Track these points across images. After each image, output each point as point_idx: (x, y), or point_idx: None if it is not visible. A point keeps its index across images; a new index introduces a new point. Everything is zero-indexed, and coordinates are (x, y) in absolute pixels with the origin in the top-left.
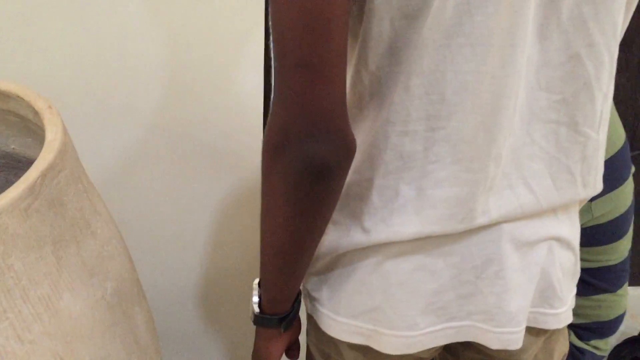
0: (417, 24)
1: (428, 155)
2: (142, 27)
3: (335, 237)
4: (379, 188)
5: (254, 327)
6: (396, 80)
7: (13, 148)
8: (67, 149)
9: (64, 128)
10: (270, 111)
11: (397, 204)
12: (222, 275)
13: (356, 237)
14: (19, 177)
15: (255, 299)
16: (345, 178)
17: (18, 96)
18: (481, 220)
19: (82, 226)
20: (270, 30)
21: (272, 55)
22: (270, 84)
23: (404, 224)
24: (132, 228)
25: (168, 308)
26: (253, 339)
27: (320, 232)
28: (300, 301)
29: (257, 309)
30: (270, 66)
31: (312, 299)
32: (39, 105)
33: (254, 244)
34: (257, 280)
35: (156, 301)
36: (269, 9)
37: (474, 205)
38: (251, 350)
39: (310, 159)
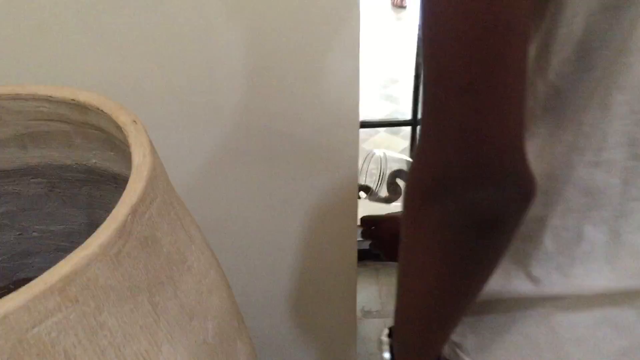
0: (624, 19)
1: (629, 191)
2: (223, 14)
3: (491, 280)
4: (554, 229)
5: (348, 336)
6: (588, 94)
7: (94, 162)
8: (157, 173)
9: (152, 147)
10: (420, 145)
11: (580, 250)
12: (316, 282)
13: (520, 286)
14: (102, 191)
15: (387, 355)
16: (520, 228)
17: (98, 108)
18: None
19: (177, 262)
20: (422, 42)
21: (423, 73)
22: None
23: (590, 276)
24: (217, 233)
25: (258, 315)
26: (347, 348)
27: (480, 292)
28: None
29: None
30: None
31: (452, 344)
32: (122, 119)
33: (350, 248)
34: (386, 332)
35: (245, 308)
36: (421, 13)
37: None
38: None
39: (477, 209)
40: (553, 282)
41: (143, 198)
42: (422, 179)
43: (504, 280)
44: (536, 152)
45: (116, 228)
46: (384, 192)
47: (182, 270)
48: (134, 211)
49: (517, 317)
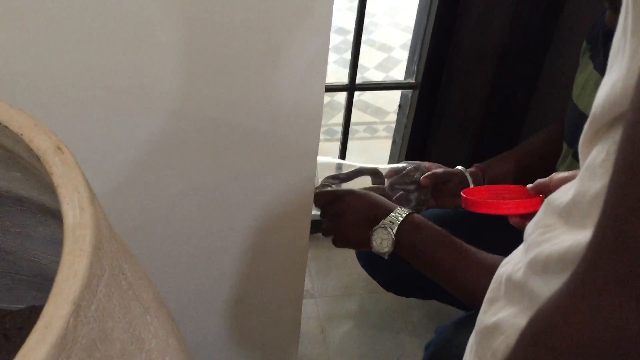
0: None
1: None
2: None
3: None
4: None
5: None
6: None
7: None
8: (102, 233)
9: (90, 190)
10: (588, 288)
11: None
12: (262, 288)
13: None
14: None
15: None
16: None
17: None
18: None
19: (134, 353)
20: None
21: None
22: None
23: None
24: (155, 234)
25: (195, 321)
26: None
27: None
28: None
29: None
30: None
31: None
32: (39, 144)
33: (302, 252)
34: None
35: (181, 312)
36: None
37: None
38: None
39: None
40: None
41: (88, 283)
42: (589, 345)
43: None
44: None
45: (54, 342)
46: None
47: None
48: (78, 307)
49: None
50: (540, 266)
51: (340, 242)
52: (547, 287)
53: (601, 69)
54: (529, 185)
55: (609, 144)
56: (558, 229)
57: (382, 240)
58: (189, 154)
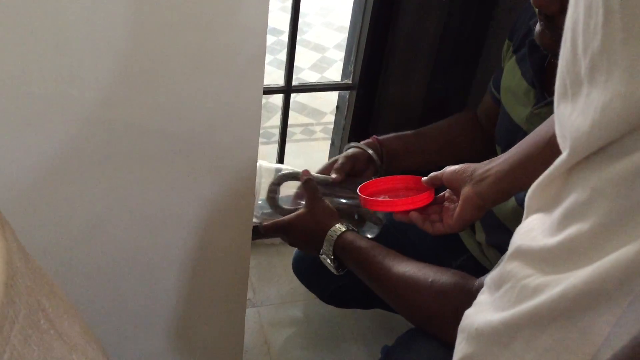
0: None
1: None
2: None
3: None
4: None
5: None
6: None
7: None
8: (15, 269)
9: (1, 218)
10: None
11: None
12: (204, 301)
13: None
14: None
15: None
16: None
17: None
18: None
19: None
20: None
21: None
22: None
23: None
24: (83, 254)
25: (135, 340)
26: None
27: None
28: None
29: None
30: None
31: None
32: None
33: (244, 263)
34: None
35: (119, 333)
36: None
37: None
38: None
39: None
40: None
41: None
42: None
43: None
44: None
45: None
46: (267, 208)
47: None
48: None
49: None
50: (528, 318)
51: None
52: (545, 334)
53: (530, 78)
54: (424, 179)
55: (593, 181)
56: (538, 278)
57: (329, 266)
58: (117, 165)
